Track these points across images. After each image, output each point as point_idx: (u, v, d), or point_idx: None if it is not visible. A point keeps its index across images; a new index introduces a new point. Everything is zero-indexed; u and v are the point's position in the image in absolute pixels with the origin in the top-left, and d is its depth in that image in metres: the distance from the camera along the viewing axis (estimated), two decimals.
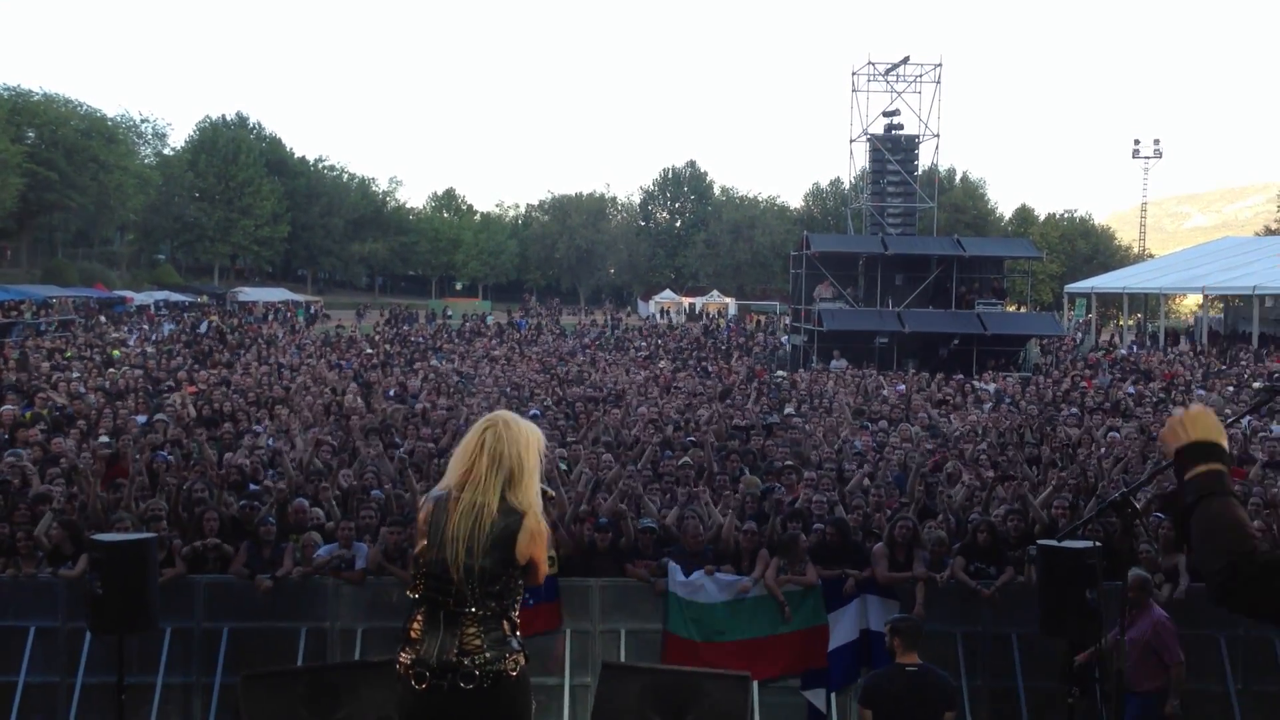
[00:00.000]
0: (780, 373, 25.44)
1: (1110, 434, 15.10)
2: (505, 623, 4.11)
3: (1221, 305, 50.11)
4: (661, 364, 29.32)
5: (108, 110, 72.39)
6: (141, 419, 15.50)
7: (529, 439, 4.16)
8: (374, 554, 8.79)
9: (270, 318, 51.40)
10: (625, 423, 15.78)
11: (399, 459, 12.13)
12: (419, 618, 4.13)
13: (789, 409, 17.98)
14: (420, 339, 36.68)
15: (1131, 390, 22.35)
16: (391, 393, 19.75)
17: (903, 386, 21.46)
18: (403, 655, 4.13)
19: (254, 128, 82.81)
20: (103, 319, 43.42)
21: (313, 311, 59.61)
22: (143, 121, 73.75)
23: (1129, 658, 7.69)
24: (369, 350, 30.76)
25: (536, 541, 4.09)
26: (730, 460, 12.54)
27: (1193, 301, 65.93)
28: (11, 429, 14.35)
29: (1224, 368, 29.16)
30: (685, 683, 6.33)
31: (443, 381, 21.67)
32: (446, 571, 4.02)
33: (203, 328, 39.28)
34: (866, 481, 11.42)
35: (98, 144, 61.14)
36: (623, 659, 8.47)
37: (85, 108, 64.76)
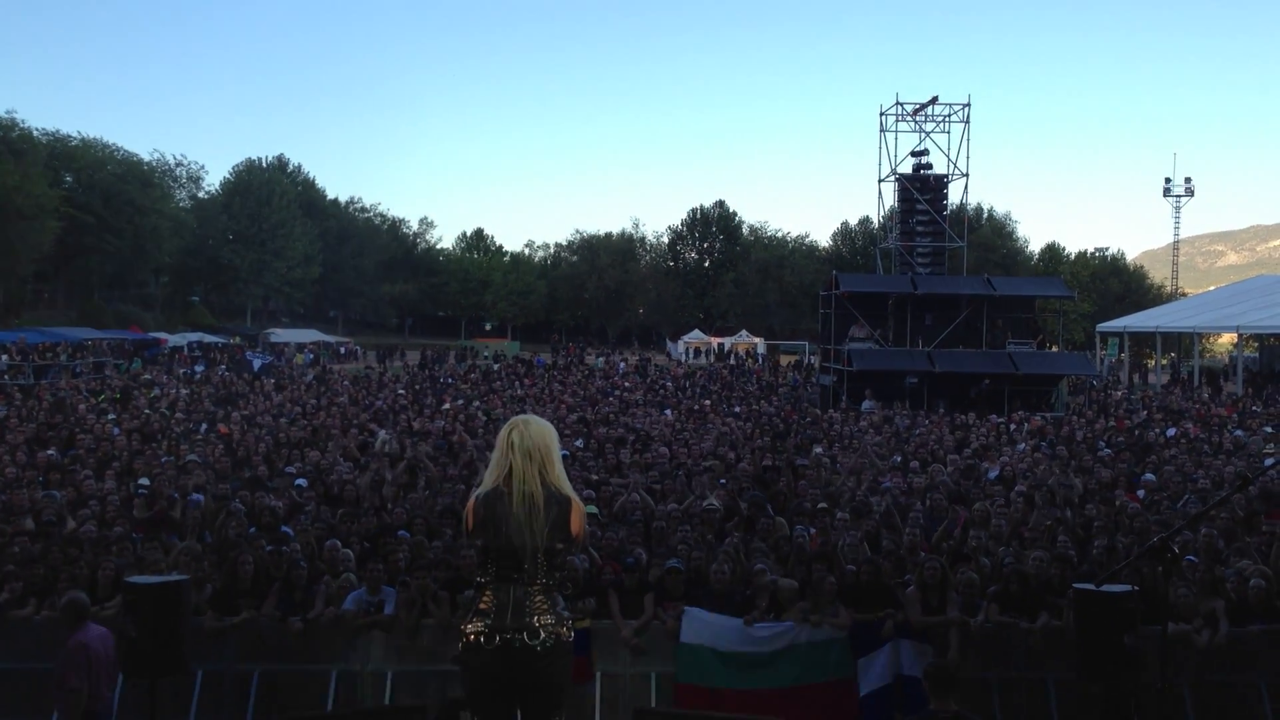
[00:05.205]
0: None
1: (1145, 476, 14.89)
2: (560, 593, 4.87)
3: (1256, 345, 49.59)
4: (693, 404, 29.17)
5: (143, 154, 73.70)
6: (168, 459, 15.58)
7: (547, 431, 4.90)
8: (406, 603, 8.74)
9: (301, 359, 51.72)
10: (654, 464, 15.73)
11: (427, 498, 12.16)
12: (488, 593, 4.76)
13: (818, 449, 17.85)
14: (449, 379, 36.70)
15: (1171, 432, 21.95)
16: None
17: (919, 431, 21.02)
18: (471, 626, 4.73)
19: (293, 170, 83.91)
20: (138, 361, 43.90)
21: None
22: (177, 165, 75.07)
23: None
24: (399, 391, 30.82)
25: (581, 519, 4.88)
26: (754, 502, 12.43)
27: (1227, 340, 65.35)
28: (46, 471, 14.46)
29: (1257, 408, 28.77)
30: None
31: (471, 421, 21.67)
32: (516, 553, 4.70)
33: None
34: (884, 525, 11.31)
35: (134, 188, 62.11)
36: (653, 704, 8.39)
37: (122, 152, 65.96)
